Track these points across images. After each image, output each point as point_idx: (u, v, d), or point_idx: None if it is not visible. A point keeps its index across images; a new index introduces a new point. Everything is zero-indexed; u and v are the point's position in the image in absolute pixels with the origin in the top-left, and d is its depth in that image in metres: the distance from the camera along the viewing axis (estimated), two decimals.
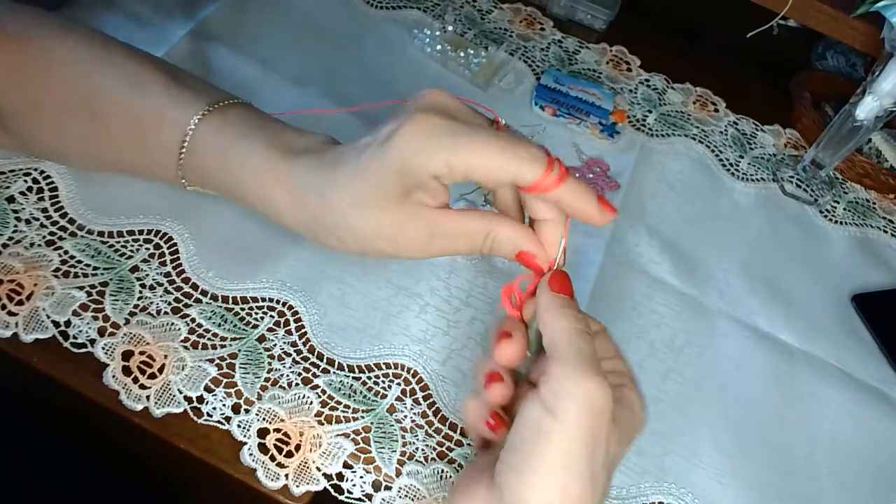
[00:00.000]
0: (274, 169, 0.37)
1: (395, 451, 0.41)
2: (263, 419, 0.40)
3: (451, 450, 0.42)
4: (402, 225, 0.34)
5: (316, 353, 0.43)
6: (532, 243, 0.35)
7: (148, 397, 0.40)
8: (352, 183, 0.34)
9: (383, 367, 0.44)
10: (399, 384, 0.43)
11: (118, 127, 0.39)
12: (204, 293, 0.44)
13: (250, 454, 0.39)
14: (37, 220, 0.44)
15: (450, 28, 0.64)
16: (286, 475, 0.39)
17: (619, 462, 0.32)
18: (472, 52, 0.62)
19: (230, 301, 0.44)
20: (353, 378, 0.43)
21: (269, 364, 0.42)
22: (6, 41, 0.38)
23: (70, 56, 0.39)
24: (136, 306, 0.43)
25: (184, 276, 0.44)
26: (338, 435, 0.41)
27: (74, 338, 0.41)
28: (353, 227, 0.35)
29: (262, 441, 0.40)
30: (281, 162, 0.36)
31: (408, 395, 0.43)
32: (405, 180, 0.33)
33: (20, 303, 0.41)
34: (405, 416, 0.42)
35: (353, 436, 0.41)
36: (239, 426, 0.40)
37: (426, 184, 0.33)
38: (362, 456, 0.40)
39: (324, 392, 0.42)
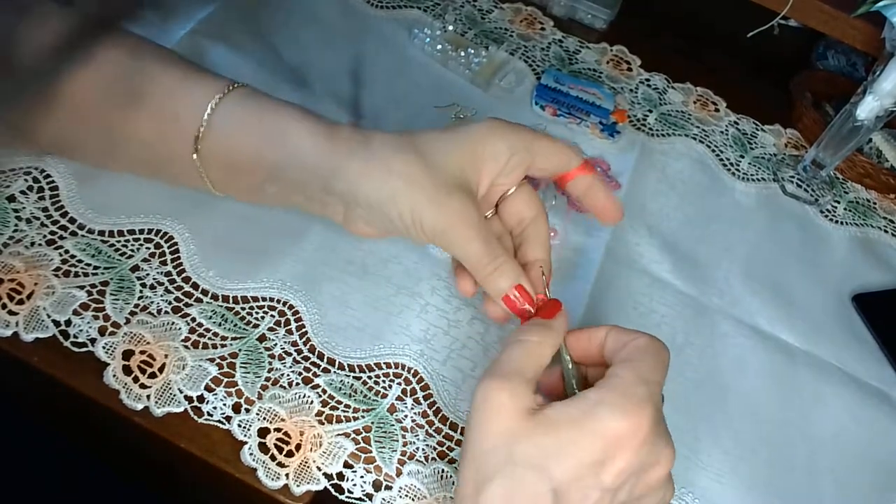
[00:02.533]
0: (320, 128, 0.39)
1: (395, 451, 0.41)
2: (264, 419, 0.40)
3: (451, 449, 0.42)
4: (455, 209, 0.38)
5: (316, 353, 0.43)
6: (529, 285, 0.39)
7: (148, 397, 0.40)
8: (424, 145, 0.39)
9: (384, 366, 0.44)
10: (399, 384, 0.43)
11: (140, 103, 0.39)
12: (204, 292, 0.44)
13: (251, 454, 0.39)
14: (37, 219, 0.44)
15: (450, 27, 0.64)
16: (287, 475, 0.39)
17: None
18: (472, 51, 0.62)
19: (231, 300, 0.44)
20: (354, 378, 0.43)
21: (270, 363, 0.42)
22: None
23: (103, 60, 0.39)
24: (136, 305, 0.42)
25: (184, 275, 0.44)
26: (338, 434, 0.41)
27: (75, 337, 0.41)
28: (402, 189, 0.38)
29: (263, 440, 0.40)
30: (324, 125, 0.39)
31: (408, 394, 0.43)
32: (475, 158, 0.39)
33: (21, 302, 0.41)
34: (406, 416, 0.42)
35: (353, 435, 0.41)
36: (239, 426, 0.40)
37: (488, 167, 0.39)
38: (363, 455, 0.40)
39: (324, 391, 0.42)
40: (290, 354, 0.43)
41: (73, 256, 0.43)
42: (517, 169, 0.40)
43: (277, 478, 0.39)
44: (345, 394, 0.42)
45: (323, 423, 0.41)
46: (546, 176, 0.42)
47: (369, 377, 0.43)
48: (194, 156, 0.39)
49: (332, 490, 0.39)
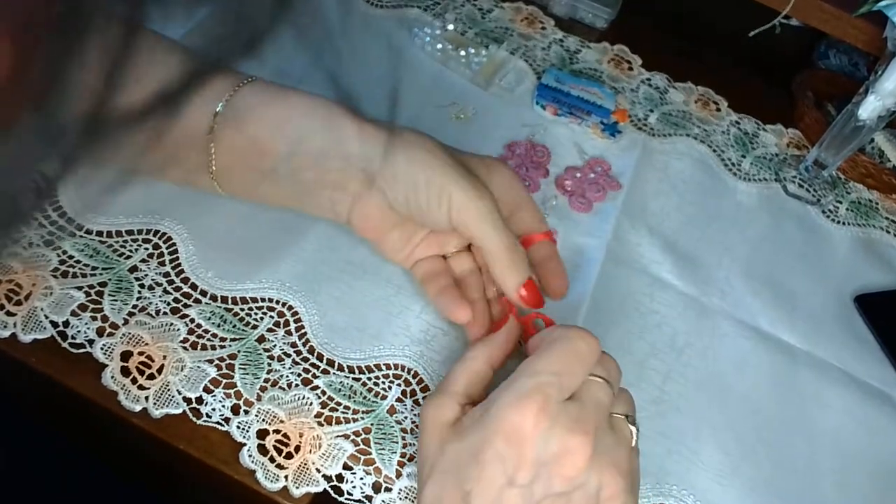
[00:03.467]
0: (345, 106, 0.40)
1: (395, 453, 0.41)
2: (263, 420, 0.40)
3: None
4: (487, 192, 0.40)
5: (316, 354, 0.43)
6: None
7: (147, 398, 0.40)
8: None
9: (383, 367, 0.44)
10: (399, 385, 0.43)
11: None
12: (203, 293, 0.44)
13: (250, 455, 0.39)
14: (34, 219, 0.44)
15: (450, 27, 0.64)
16: (286, 476, 0.39)
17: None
18: (472, 50, 0.62)
19: (229, 301, 0.44)
20: (353, 379, 0.43)
21: (269, 365, 0.42)
22: None
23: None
24: (134, 306, 0.42)
25: (183, 276, 0.44)
26: (338, 436, 0.41)
27: (73, 338, 0.41)
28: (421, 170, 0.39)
29: (262, 442, 0.40)
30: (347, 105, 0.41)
31: (408, 395, 0.43)
32: (489, 170, 0.43)
33: (18, 303, 0.41)
34: (405, 417, 0.42)
35: (353, 437, 0.41)
36: (238, 427, 0.40)
37: (494, 187, 0.42)
38: (362, 457, 0.40)
39: (324, 393, 0.42)
40: (289, 355, 0.43)
41: (71, 257, 0.43)
42: (503, 211, 0.41)
43: (276, 479, 0.39)
44: (344, 395, 0.42)
45: (322, 425, 0.41)
46: (517, 233, 0.44)
47: (369, 378, 0.43)
48: (209, 135, 0.40)
49: (331, 492, 0.39)
